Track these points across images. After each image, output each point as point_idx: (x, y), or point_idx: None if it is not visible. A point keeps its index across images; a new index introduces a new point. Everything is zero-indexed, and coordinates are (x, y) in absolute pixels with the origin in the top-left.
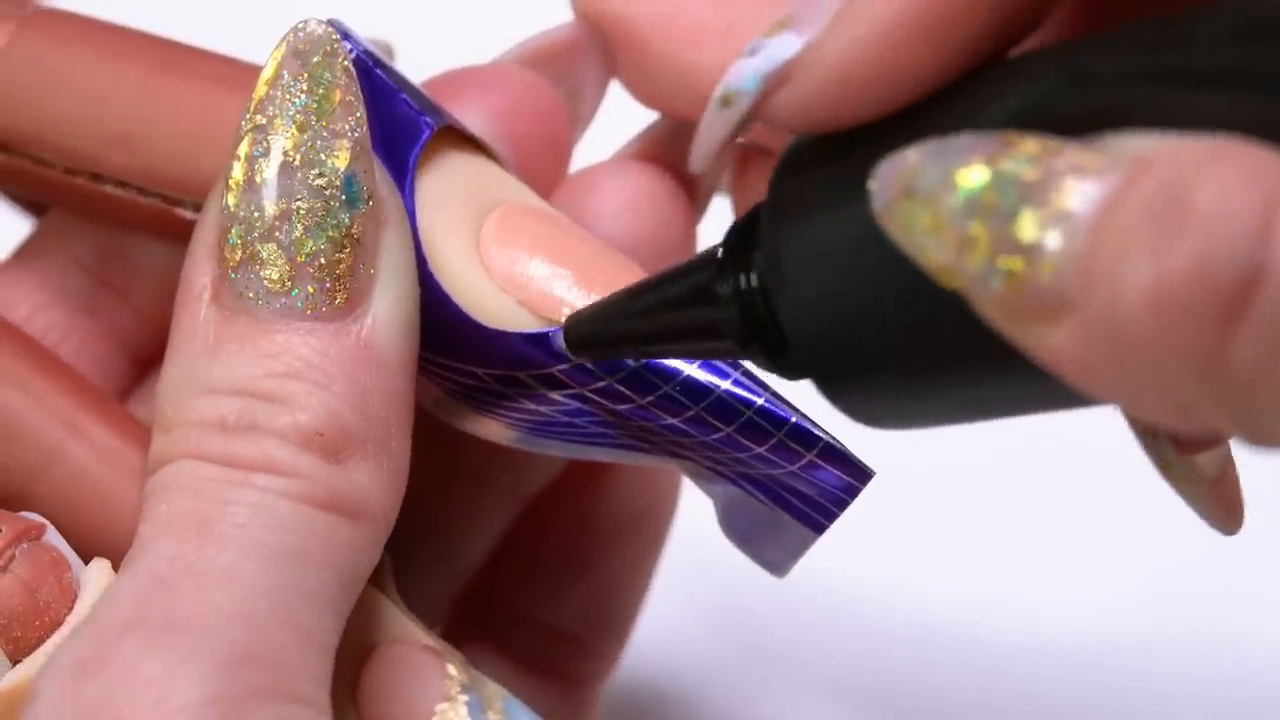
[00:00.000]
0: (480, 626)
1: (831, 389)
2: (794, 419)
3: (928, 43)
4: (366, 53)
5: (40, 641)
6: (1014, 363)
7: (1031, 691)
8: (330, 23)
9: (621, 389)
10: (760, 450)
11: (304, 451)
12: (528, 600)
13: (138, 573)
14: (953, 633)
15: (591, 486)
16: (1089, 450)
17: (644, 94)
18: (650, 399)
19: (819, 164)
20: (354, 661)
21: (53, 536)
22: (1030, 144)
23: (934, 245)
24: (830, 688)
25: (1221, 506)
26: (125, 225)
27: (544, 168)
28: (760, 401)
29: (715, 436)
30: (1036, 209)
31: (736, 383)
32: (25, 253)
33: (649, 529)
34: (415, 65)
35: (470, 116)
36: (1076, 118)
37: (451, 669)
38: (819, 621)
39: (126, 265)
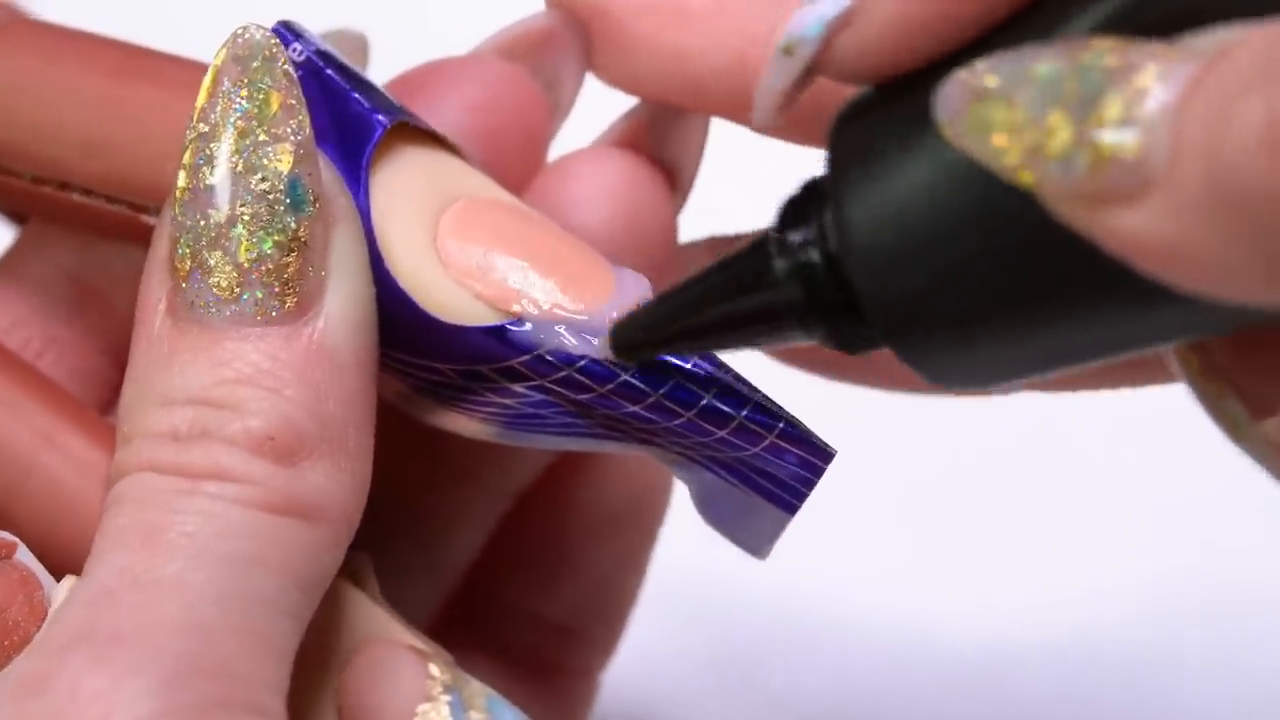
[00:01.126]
0: (473, 621)
1: (910, 347)
2: (753, 401)
3: None
4: (319, 53)
5: (9, 661)
6: (1104, 283)
7: (1023, 706)
8: (284, 24)
9: (581, 378)
10: (722, 434)
11: (255, 457)
12: (520, 594)
13: (87, 587)
14: (939, 647)
15: (581, 479)
16: (1080, 461)
17: (623, 79)
18: (610, 387)
19: (879, 111)
20: (336, 662)
21: (23, 555)
22: (1107, 40)
23: (1008, 142)
24: (816, 709)
25: None
26: (96, 233)
27: (522, 159)
28: (719, 385)
29: (677, 422)
30: (1120, 89)
31: (696, 365)
32: (5, 263)
33: (641, 521)
34: (404, 60)
35: (446, 109)
36: (1158, 26)
37: (434, 669)
38: (802, 643)
39: (108, 271)
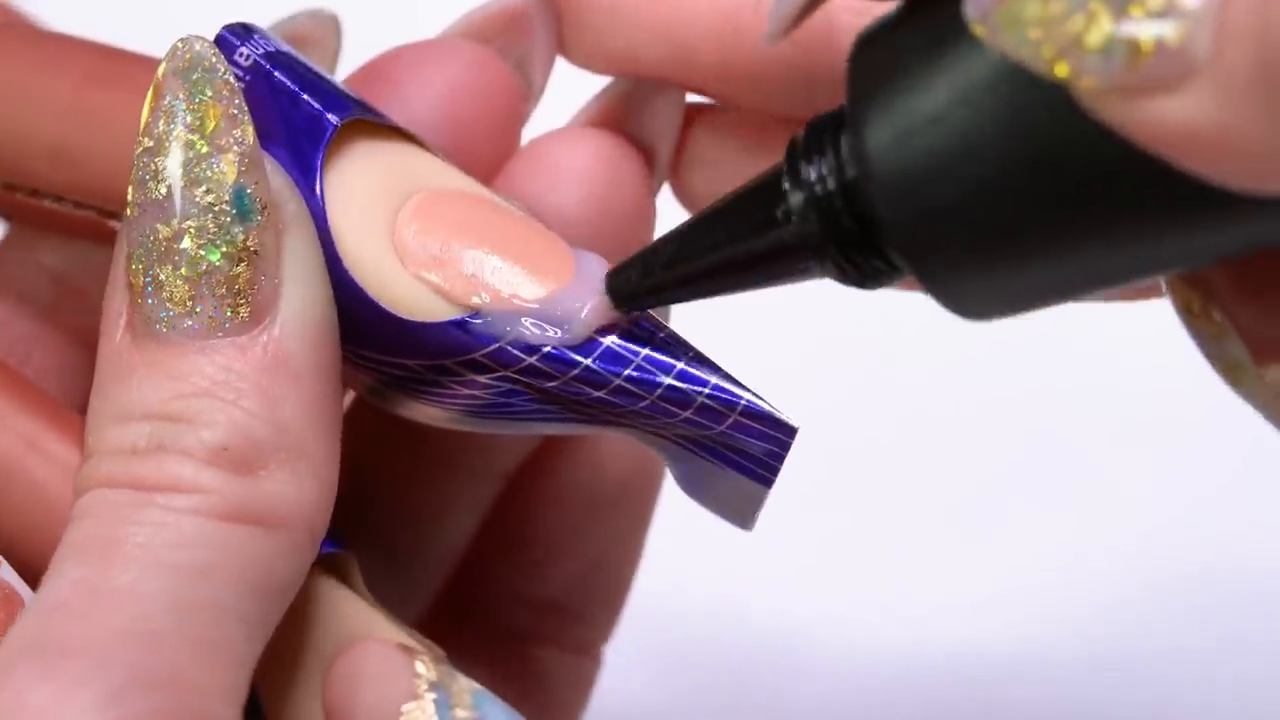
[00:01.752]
0: (470, 607)
1: (935, 271)
2: (713, 381)
3: None
4: (269, 54)
5: None
6: (1143, 191)
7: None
8: (234, 26)
9: (543, 367)
10: (686, 414)
11: (209, 467)
12: (516, 577)
13: (42, 599)
14: (931, 658)
15: (571, 459)
16: (1061, 464)
17: (604, 53)
18: (574, 373)
19: (899, 31)
20: (322, 661)
21: (5, 571)
22: None
23: (1044, 36)
24: None
25: None
26: (70, 237)
27: (494, 142)
28: (679, 366)
29: (641, 405)
30: None
31: (656, 348)
32: None
33: (634, 498)
34: (377, 42)
35: (416, 95)
36: None
37: (420, 666)
38: (790, 662)
39: (89, 269)
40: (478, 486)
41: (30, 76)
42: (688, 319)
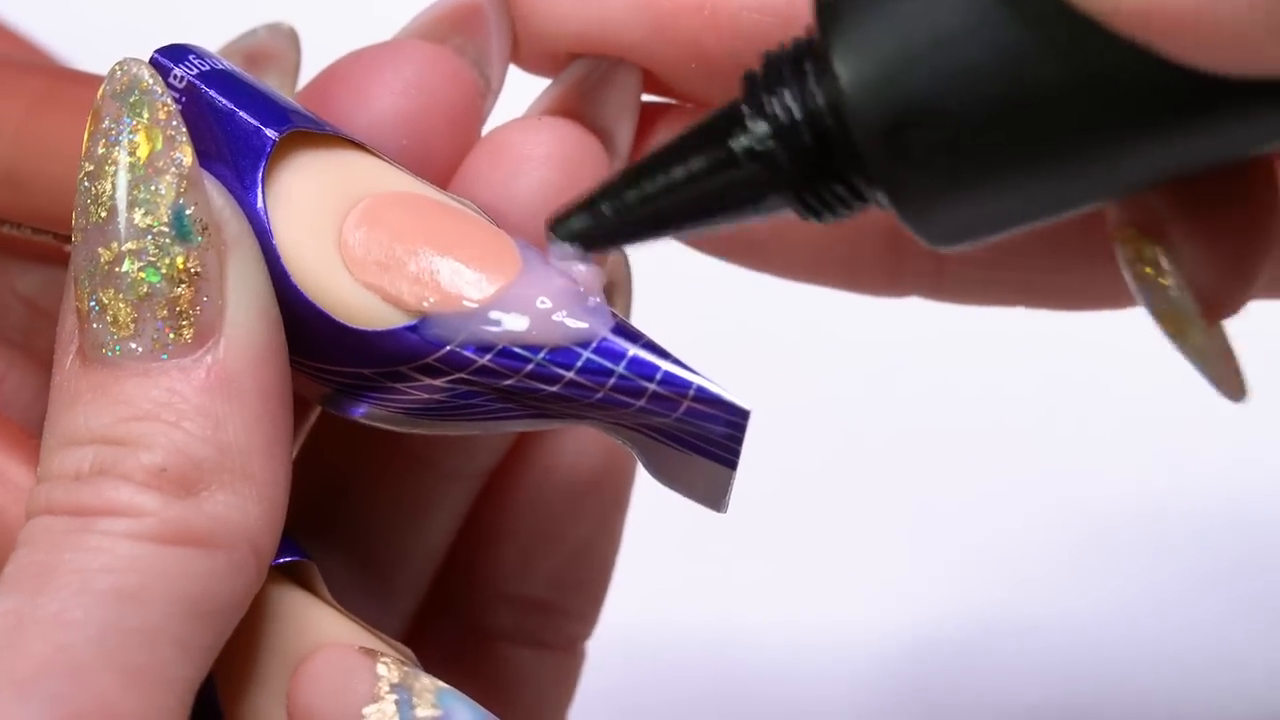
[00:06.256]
0: (455, 609)
1: (905, 194)
2: (663, 368)
3: None
4: (204, 74)
5: None
6: (1126, 89)
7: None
8: (168, 49)
9: (495, 366)
10: (640, 404)
11: (147, 490)
12: (499, 575)
13: None
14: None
15: (546, 452)
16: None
17: (559, 36)
18: (527, 369)
19: None
20: (285, 670)
21: None
22: None
23: None
24: None
25: (1233, 372)
26: (30, 262)
27: (453, 138)
28: (630, 354)
29: (597, 397)
30: None
31: (604, 340)
32: None
33: (610, 488)
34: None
35: (373, 97)
36: None
37: (381, 668)
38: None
39: (59, 293)
40: (455, 487)
41: None
42: (672, 319)
